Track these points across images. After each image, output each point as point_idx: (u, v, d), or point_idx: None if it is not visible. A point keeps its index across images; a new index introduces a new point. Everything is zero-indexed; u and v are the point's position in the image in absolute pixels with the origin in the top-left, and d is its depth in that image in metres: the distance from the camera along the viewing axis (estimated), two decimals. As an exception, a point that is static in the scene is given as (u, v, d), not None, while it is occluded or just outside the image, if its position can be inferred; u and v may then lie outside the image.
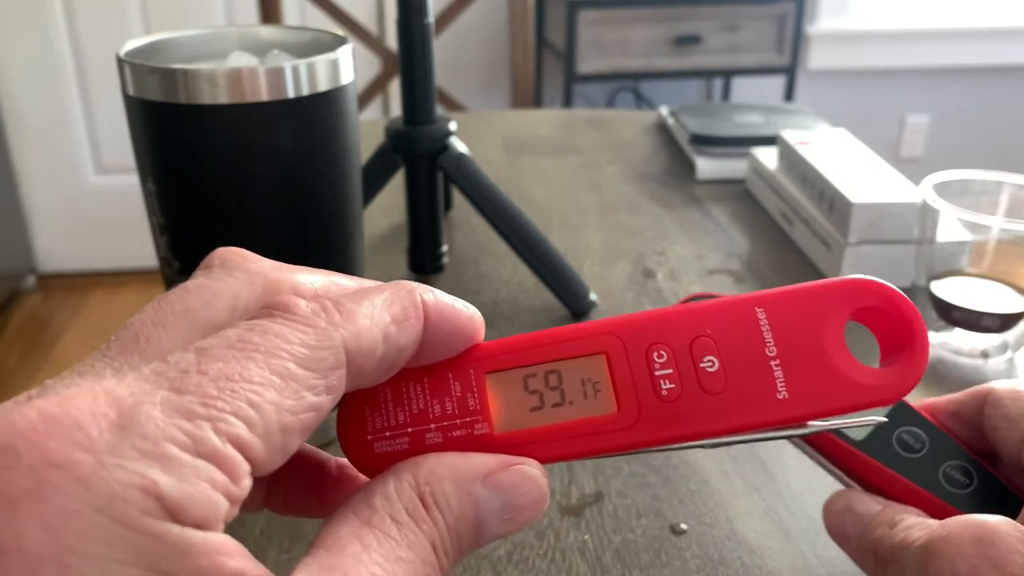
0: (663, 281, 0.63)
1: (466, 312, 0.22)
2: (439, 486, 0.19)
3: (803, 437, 0.31)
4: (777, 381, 0.22)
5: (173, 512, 0.13)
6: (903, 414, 0.31)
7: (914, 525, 0.27)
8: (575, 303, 0.57)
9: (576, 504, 0.41)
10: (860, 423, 0.25)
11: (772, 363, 0.22)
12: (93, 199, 2.25)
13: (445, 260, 0.64)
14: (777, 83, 2.20)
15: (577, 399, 0.22)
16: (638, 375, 0.22)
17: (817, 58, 2.36)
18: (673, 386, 0.22)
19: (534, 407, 0.22)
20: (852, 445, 0.30)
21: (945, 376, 0.51)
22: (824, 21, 2.34)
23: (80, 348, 2.00)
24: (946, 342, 0.54)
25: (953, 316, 0.52)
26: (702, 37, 2.04)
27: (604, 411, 0.22)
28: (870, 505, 0.30)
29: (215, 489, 0.14)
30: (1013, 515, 0.26)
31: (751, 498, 0.41)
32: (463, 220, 0.73)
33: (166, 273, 0.41)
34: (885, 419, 0.28)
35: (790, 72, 2.10)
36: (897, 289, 0.23)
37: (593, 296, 0.58)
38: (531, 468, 0.21)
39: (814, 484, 0.42)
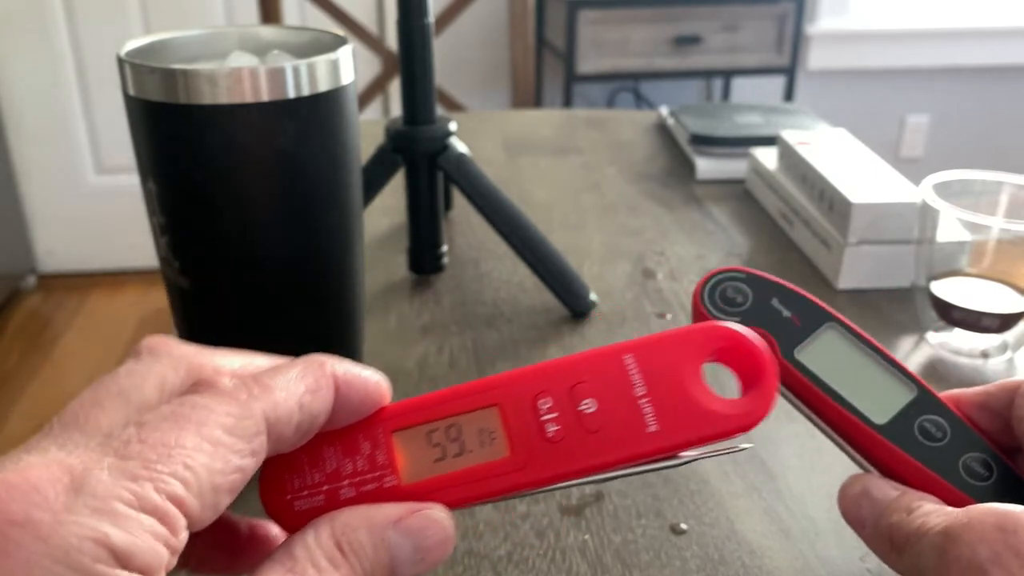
0: (663, 281, 0.63)
1: (372, 379, 0.24)
2: (354, 535, 0.22)
3: (813, 414, 0.31)
4: (646, 417, 0.25)
5: (122, 560, 0.15)
6: (927, 402, 0.31)
7: (932, 512, 0.28)
8: (575, 303, 0.57)
9: (576, 504, 0.41)
10: (727, 451, 0.26)
11: (641, 401, 0.25)
12: (93, 199, 2.25)
13: (445, 260, 0.64)
14: (777, 83, 2.20)
15: (475, 447, 0.25)
16: (527, 421, 0.25)
17: (817, 58, 2.36)
18: (558, 427, 0.25)
19: (437, 458, 0.25)
20: (874, 429, 0.30)
21: (944, 376, 0.52)
22: (824, 21, 2.34)
23: (80, 348, 2.00)
24: (946, 342, 0.54)
25: (953, 316, 0.52)
26: (702, 37, 2.04)
27: (498, 456, 0.25)
28: (887, 491, 0.30)
29: (157, 540, 0.16)
30: None
31: (751, 498, 0.42)
32: (463, 220, 0.73)
33: (166, 273, 0.41)
34: (751, 445, 0.29)
35: (790, 72, 2.10)
36: (745, 331, 0.26)
37: (593, 296, 0.58)
38: (437, 512, 0.23)
39: (814, 484, 0.42)
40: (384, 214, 0.74)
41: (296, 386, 0.22)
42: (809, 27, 2.31)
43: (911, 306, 0.57)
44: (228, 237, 0.39)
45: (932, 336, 0.55)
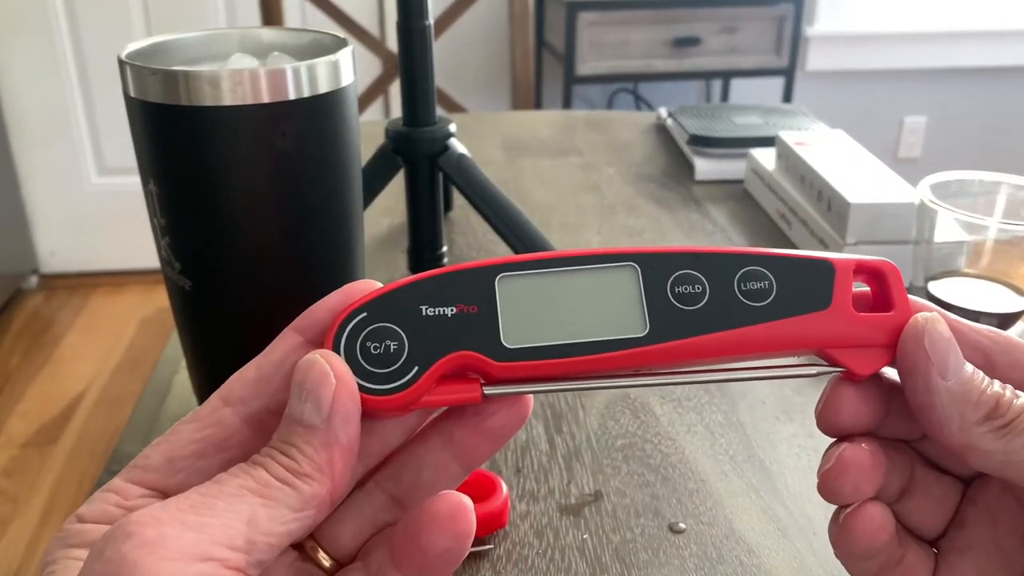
0: (662, 282, 0.63)
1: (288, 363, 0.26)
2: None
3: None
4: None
5: (80, 518, 0.23)
6: (658, 269, 0.24)
7: None
8: (574, 303, 0.57)
9: (575, 503, 0.42)
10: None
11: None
12: (95, 200, 2.26)
13: (445, 261, 0.64)
14: (776, 84, 2.20)
15: None
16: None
17: (815, 59, 2.36)
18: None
19: None
20: (641, 345, 0.23)
21: (942, 376, 0.52)
22: (822, 23, 2.34)
23: (81, 348, 2.00)
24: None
25: (950, 316, 0.52)
26: (701, 39, 2.04)
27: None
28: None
29: (106, 503, 0.23)
30: None
31: (749, 497, 0.42)
32: (463, 220, 0.73)
33: (167, 274, 0.41)
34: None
35: (788, 74, 2.11)
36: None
37: (592, 296, 0.58)
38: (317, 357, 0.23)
39: (812, 483, 0.42)
40: (384, 214, 0.74)
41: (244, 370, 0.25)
42: (808, 29, 2.31)
43: (909, 306, 0.57)
44: (229, 238, 0.39)
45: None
